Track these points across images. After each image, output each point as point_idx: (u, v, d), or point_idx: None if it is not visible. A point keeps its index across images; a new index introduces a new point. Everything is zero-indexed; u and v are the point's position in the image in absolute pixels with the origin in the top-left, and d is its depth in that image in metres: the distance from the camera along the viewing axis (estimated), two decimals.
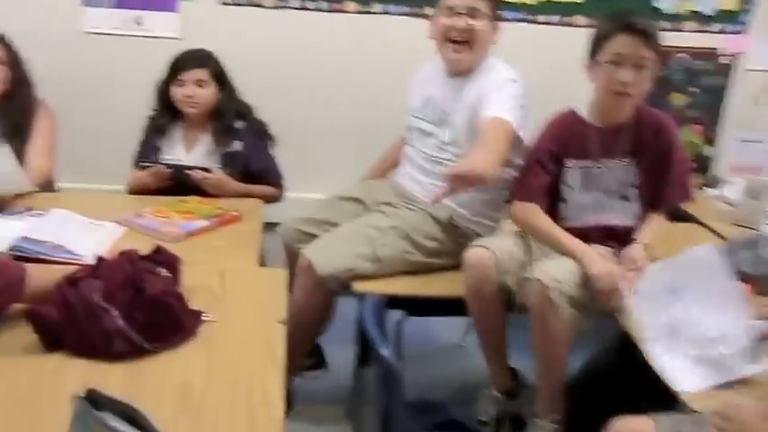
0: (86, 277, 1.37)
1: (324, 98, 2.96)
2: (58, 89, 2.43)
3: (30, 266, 1.39)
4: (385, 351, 1.44)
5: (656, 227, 1.84)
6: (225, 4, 2.81)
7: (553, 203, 1.88)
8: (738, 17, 3.08)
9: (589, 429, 1.35)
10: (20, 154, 2.17)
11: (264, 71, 2.80)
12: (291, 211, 2.29)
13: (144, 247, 1.55)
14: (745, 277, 1.87)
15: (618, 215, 1.85)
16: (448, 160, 2.00)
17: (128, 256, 1.47)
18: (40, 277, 1.37)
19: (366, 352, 2.12)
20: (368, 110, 2.95)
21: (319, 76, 2.93)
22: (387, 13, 2.88)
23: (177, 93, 2.27)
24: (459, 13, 1.93)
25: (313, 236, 2.07)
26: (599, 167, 1.83)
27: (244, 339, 1.38)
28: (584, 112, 1.87)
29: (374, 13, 2.88)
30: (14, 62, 2.25)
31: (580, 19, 2.93)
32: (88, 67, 2.80)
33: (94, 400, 0.94)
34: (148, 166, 2.21)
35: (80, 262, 1.62)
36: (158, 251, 1.53)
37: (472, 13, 1.93)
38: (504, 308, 1.77)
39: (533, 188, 1.84)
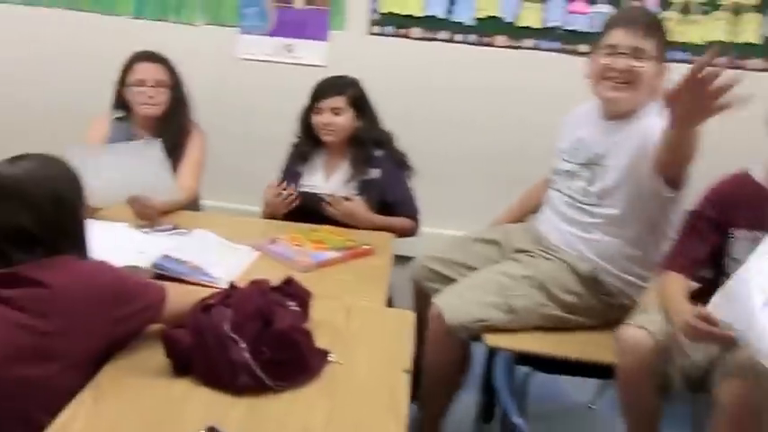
0: (219, 304, 1.37)
1: (467, 133, 2.90)
2: (210, 111, 2.54)
3: (169, 287, 1.42)
4: (517, 419, 1.31)
5: None
6: (373, 34, 2.82)
7: (716, 278, 1.66)
8: None
9: None
10: (173, 172, 2.27)
11: (409, 102, 2.79)
12: (423, 245, 2.22)
13: (275, 274, 1.54)
14: None
15: None
16: (591, 206, 1.85)
17: (259, 286, 1.46)
18: (177, 300, 1.39)
19: (490, 407, 2.00)
20: (511, 148, 2.85)
21: (464, 110, 2.87)
22: (537, 49, 2.77)
23: (316, 120, 2.29)
24: (622, 53, 1.77)
25: (443, 276, 1.99)
26: None
27: (367, 386, 1.32)
28: (760, 174, 1.63)
29: (525, 48, 2.78)
30: (175, 85, 2.38)
31: (756, 62, 2.67)
32: (240, 91, 2.93)
33: None
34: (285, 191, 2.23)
35: (215, 285, 1.64)
36: (289, 283, 1.51)
37: (636, 53, 1.75)
38: (661, 397, 1.55)
39: (682, 256, 1.65)
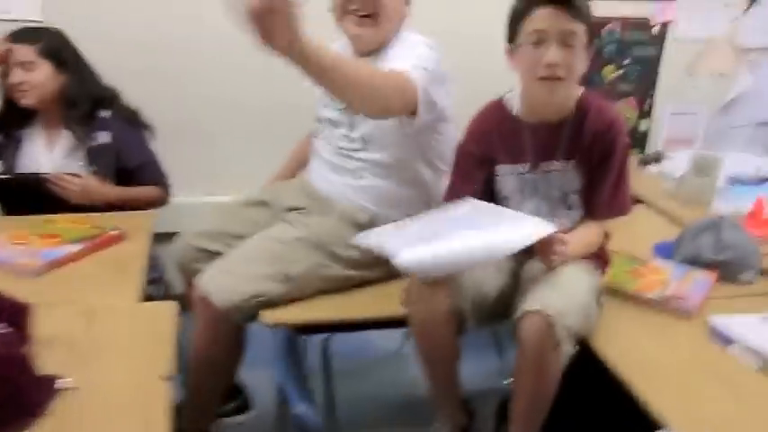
0: None
1: (223, 85, 2.57)
2: None
3: None
4: (300, 407, 1.12)
5: (584, 236, 1.51)
6: None
7: None
8: None
9: None
10: None
11: (147, 56, 2.41)
12: (190, 218, 1.93)
13: None
14: (707, 263, 1.69)
15: (563, 225, 1.51)
16: (358, 151, 1.69)
17: None
18: None
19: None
20: (275, 98, 2.57)
21: (217, 58, 2.54)
22: None
23: (7, 81, 1.90)
24: None
25: (213, 253, 1.72)
26: (536, 172, 1.52)
27: (113, 409, 1.05)
28: (513, 103, 1.55)
29: None
30: None
31: None
32: None
33: None
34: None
35: None
36: None
37: None
38: (457, 335, 1.44)
39: (453, 196, 1.53)
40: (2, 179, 1.85)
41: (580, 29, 1.38)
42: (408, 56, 1.54)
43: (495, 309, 1.44)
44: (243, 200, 1.87)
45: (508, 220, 1.37)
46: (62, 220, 1.75)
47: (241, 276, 1.52)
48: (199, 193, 2.40)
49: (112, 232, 1.69)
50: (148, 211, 1.96)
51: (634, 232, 1.99)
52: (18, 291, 1.24)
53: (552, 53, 1.36)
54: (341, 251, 1.62)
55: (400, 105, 1.49)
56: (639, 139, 3.15)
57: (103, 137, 1.97)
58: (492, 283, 1.45)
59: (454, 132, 1.70)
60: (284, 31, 1.10)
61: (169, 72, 2.48)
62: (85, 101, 1.95)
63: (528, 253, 1.38)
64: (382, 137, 1.63)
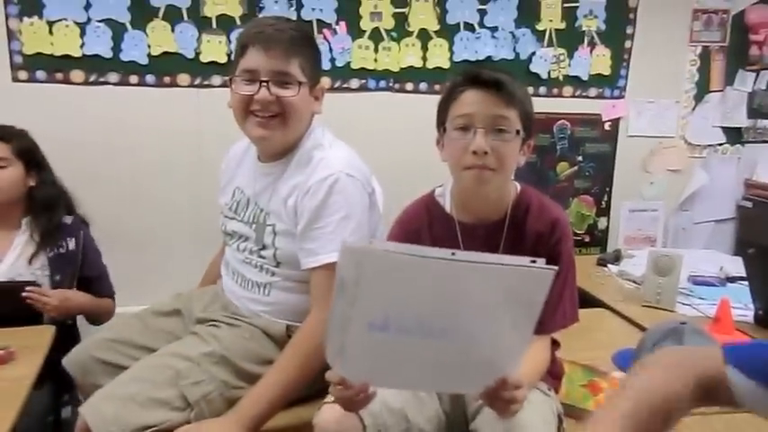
0: None
1: (152, 190, 2.47)
2: None
3: None
4: None
5: (533, 362, 1.27)
6: (19, 81, 2.28)
7: None
8: (615, 82, 2.91)
9: None
10: None
11: (81, 156, 2.34)
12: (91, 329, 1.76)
13: None
14: None
15: None
16: (269, 268, 1.50)
17: None
18: None
19: None
20: (198, 204, 2.47)
21: (152, 159, 2.44)
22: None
23: None
24: (263, 81, 1.40)
25: (117, 366, 1.48)
26: None
27: None
28: (444, 200, 1.38)
29: (215, 86, 2.44)
30: None
31: None
32: None
33: None
34: None
35: None
36: None
37: (281, 78, 1.40)
38: None
39: None
40: None
41: (512, 115, 1.23)
42: (330, 232, 1.38)
43: None
44: (154, 308, 1.66)
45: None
46: None
47: (128, 401, 1.28)
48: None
49: (7, 349, 1.47)
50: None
51: (592, 338, 1.82)
52: None
53: (479, 140, 1.21)
54: (253, 368, 1.41)
55: None
56: (599, 238, 3.04)
57: (71, 244, 1.88)
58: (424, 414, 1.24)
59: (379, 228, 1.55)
60: None
61: (87, 174, 2.34)
62: (54, 206, 1.88)
63: None
64: (297, 259, 1.45)
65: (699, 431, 1.34)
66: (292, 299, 1.47)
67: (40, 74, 2.28)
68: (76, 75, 2.31)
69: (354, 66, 2.55)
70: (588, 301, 2.17)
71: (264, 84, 1.40)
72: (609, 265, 2.59)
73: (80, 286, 1.90)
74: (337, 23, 2.51)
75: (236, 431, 1.29)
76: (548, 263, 1.27)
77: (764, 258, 1.92)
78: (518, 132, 1.25)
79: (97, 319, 1.95)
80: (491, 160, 1.23)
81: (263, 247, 1.49)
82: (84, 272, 1.92)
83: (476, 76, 1.25)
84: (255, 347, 1.44)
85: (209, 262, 1.88)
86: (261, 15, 2.41)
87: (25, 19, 2.23)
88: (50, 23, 2.25)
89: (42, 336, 1.68)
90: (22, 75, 2.27)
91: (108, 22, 2.30)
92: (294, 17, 2.43)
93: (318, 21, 2.48)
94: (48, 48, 2.26)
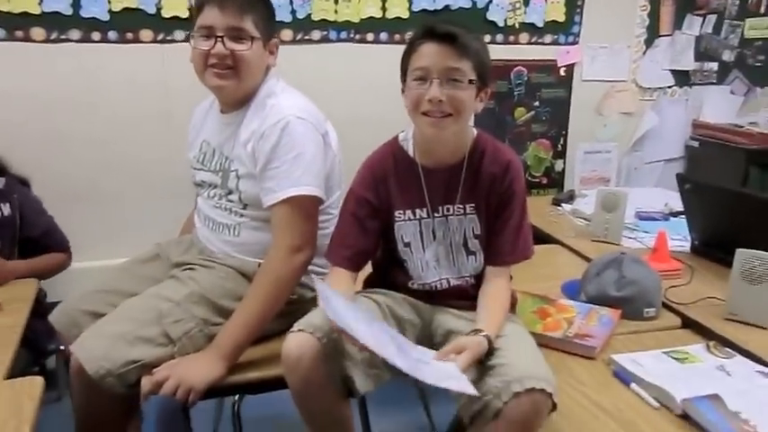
0: None
1: (108, 144, 2.50)
2: None
3: None
4: None
5: (500, 304, 1.42)
6: None
7: (392, 264, 1.52)
8: (569, 28, 3.00)
9: None
10: None
11: (33, 115, 2.34)
12: (78, 284, 1.80)
13: None
14: (611, 300, 1.67)
15: (467, 272, 1.49)
16: (237, 210, 1.61)
17: None
18: None
19: None
20: (171, 159, 2.49)
21: (105, 116, 2.47)
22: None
23: None
24: (218, 36, 1.49)
25: (102, 315, 1.57)
26: (434, 218, 1.47)
27: None
28: (408, 147, 1.49)
29: (175, 41, 2.47)
30: None
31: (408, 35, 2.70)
32: None
33: None
34: None
35: None
36: None
37: (235, 34, 1.50)
38: (347, 401, 1.34)
39: (341, 250, 1.47)
40: None
41: (465, 66, 1.33)
42: (289, 168, 1.48)
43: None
44: (135, 257, 1.76)
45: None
46: None
47: (116, 339, 1.39)
48: (94, 257, 2.26)
49: None
50: (37, 279, 1.85)
51: (543, 272, 1.96)
52: None
53: (434, 89, 1.32)
54: (229, 304, 1.52)
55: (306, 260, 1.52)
56: (555, 179, 3.19)
57: (5, 209, 1.88)
58: None
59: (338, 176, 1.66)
60: None
61: (57, 133, 2.38)
62: None
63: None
64: (260, 199, 1.55)
65: (633, 347, 1.50)
66: (260, 237, 1.58)
67: (0, 32, 2.29)
68: (37, 32, 2.32)
69: (315, 17, 2.60)
70: (542, 238, 2.31)
71: (220, 39, 1.49)
72: (563, 205, 2.73)
73: (25, 247, 1.92)
74: None
75: (216, 362, 1.41)
76: (501, 201, 1.43)
77: (700, 194, 2.07)
78: (471, 82, 1.35)
79: (46, 275, 1.95)
80: (446, 107, 1.33)
81: (230, 192, 1.60)
82: (26, 233, 1.94)
83: (431, 29, 1.34)
84: (230, 285, 1.55)
85: (182, 213, 1.97)
86: None
87: None
88: None
89: (26, 288, 1.77)
90: None
91: None
92: None
93: None
94: (5, 5, 2.26)
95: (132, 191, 2.55)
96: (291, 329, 1.26)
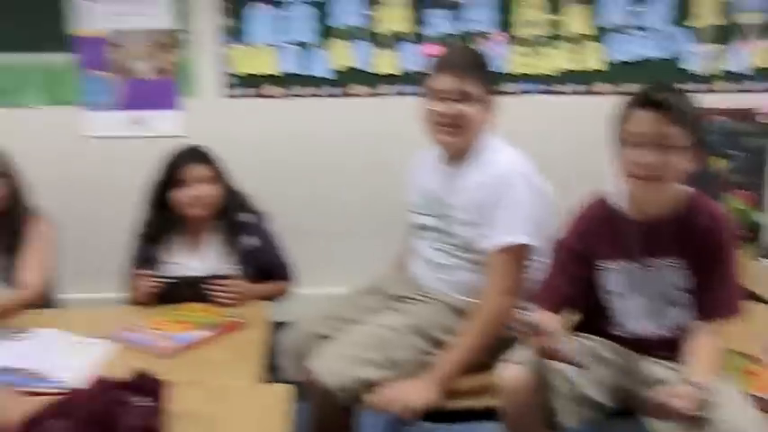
0: (50, 417, 1.17)
1: (337, 187, 2.84)
2: (58, 195, 2.32)
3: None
4: None
5: (711, 358, 1.46)
6: (229, 96, 2.73)
7: (598, 312, 1.62)
8: None
9: None
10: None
11: (273, 160, 2.74)
12: (302, 307, 2.08)
13: (135, 364, 1.37)
14: None
15: (672, 323, 1.55)
16: (455, 253, 1.80)
17: (101, 386, 1.28)
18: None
19: None
20: (384, 197, 2.77)
21: (330, 162, 2.82)
22: (400, 95, 2.77)
23: (180, 195, 2.07)
24: (448, 98, 1.73)
25: (326, 337, 1.83)
26: (643, 269, 1.54)
27: None
28: (617, 200, 1.59)
29: (385, 94, 2.77)
30: (9, 174, 2.15)
31: (604, 87, 2.81)
32: (89, 171, 2.74)
33: None
34: (156, 281, 2.03)
35: (57, 391, 1.43)
36: (140, 376, 1.33)
37: (462, 97, 1.72)
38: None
39: (547, 295, 1.60)
40: (170, 282, 2.03)
41: (678, 132, 1.40)
42: (509, 217, 1.67)
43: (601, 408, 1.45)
44: (357, 289, 2.02)
45: None
46: (187, 308, 1.95)
47: (350, 360, 1.64)
48: (309, 286, 2.56)
49: (235, 320, 1.86)
50: (269, 302, 2.11)
51: (747, 330, 1.92)
52: (155, 370, 1.40)
53: (645, 155, 1.41)
54: (443, 336, 1.72)
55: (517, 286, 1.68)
56: (753, 232, 3.04)
57: (251, 240, 2.14)
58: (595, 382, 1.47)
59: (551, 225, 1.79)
60: None
61: (289, 173, 2.75)
62: (235, 208, 2.14)
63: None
64: (477, 244, 1.74)
65: None
66: (473, 277, 1.76)
67: (245, 90, 2.73)
68: (274, 90, 2.74)
69: (513, 71, 2.78)
70: (745, 294, 2.23)
71: (449, 101, 1.72)
72: (763, 259, 2.62)
73: (263, 274, 2.15)
74: (496, 32, 2.75)
75: (431, 388, 1.60)
76: (713, 256, 1.50)
77: None
78: (683, 147, 1.42)
79: (273, 299, 2.16)
80: (656, 171, 1.42)
81: (449, 236, 1.80)
82: (266, 263, 2.14)
83: (646, 96, 1.44)
84: (444, 320, 1.75)
85: (385, 250, 2.21)
86: (428, 32, 2.73)
87: (234, 45, 2.68)
88: (253, 48, 2.68)
89: (263, 309, 2.06)
90: (231, 91, 2.72)
91: (299, 44, 2.70)
92: (457, 31, 2.72)
93: (478, 32, 2.74)
94: (251, 68, 2.70)
95: (339, 227, 2.85)
96: (503, 362, 1.41)
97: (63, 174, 2.63)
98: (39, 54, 2.62)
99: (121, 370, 1.40)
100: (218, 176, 2.13)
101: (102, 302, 2.39)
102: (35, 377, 1.50)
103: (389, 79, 2.76)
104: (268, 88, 2.74)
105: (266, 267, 2.17)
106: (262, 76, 2.71)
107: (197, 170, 2.08)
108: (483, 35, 2.75)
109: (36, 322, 1.86)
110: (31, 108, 2.68)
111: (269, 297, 2.14)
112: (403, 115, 2.70)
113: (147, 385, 1.33)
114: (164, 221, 2.12)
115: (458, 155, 1.81)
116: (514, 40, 2.77)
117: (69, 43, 2.63)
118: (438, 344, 1.71)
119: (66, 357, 1.62)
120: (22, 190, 2.17)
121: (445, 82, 1.72)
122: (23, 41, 2.61)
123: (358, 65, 2.74)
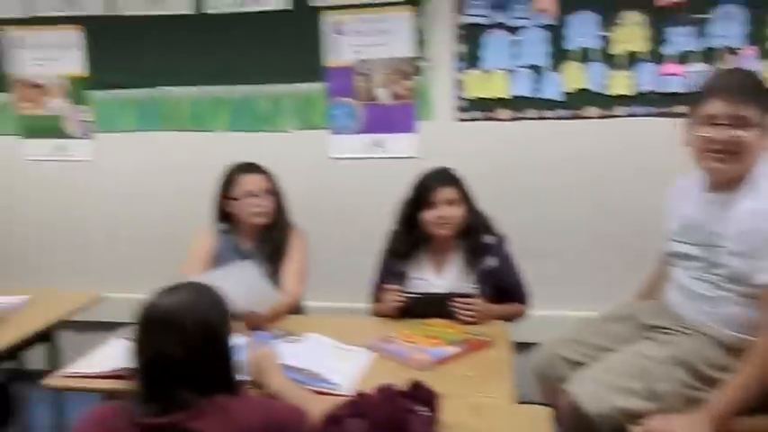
0: (348, 416, 1.32)
1: (568, 209, 2.84)
2: (310, 211, 2.58)
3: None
4: None
5: None
6: (461, 120, 2.84)
7: None
8: None
9: None
10: (276, 277, 2.30)
11: (505, 183, 2.80)
12: (542, 330, 2.10)
13: (394, 375, 1.50)
14: None
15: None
16: (722, 284, 1.71)
17: (387, 393, 1.41)
18: (312, 412, 1.37)
19: None
20: (616, 219, 2.76)
21: (562, 185, 2.83)
22: (632, 116, 2.70)
23: (428, 215, 2.19)
24: (723, 124, 1.65)
25: (573, 362, 1.86)
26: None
27: None
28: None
29: (618, 116, 2.72)
30: (276, 192, 2.43)
31: None
32: (336, 189, 2.99)
33: None
34: (403, 296, 2.17)
35: (336, 392, 1.60)
36: (417, 386, 1.44)
37: (738, 122, 1.64)
38: None
39: None
40: (414, 297, 2.18)
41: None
42: None
43: None
44: (604, 314, 2.00)
45: None
46: (437, 325, 2.06)
47: (610, 387, 1.63)
48: (544, 308, 2.57)
49: (482, 338, 1.93)
50: (506, 323, 2.17)
51: None
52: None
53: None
54: (709, 371, 1.65)
55: None
56: None
57: (491, 261, 2.22)
58: None
59: None
60: None
61: (516, 194, 2.81)
62: (478, 229, 2.24)
63: None
64: (747, 276, 1.65)
65: None
66: (740, 311, 1.67)
67: (477, 113, 2.82)
68: (504, 113, 2.80)
69: None
70: None
71: (721, 126, 1.65)
72: None
73: (500, 295, 2.21)
74: (746, 47, 2.58)
75: (704, 426, 1.54)
76: None
77: None
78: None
79: (508, 320, 2.20)
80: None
81: (715, 266, 1.72)
82: (504, 284, 2.21)
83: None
84: (709, 354, 1.68)
85: (621, 273, 2.16)
86: (668, 51, 2.64)
87: (468, 71, 2.79)
88: (486, 72, 2.77)
89: (502, 329, 2.11)
90: (464, 115, 2.83)
91: (531, 67, 2.74)
92: (700, 48, 2.60)
93: (725, 47, 2.59)
94: (483, 92, 2.79)
95: (568, 250, 2.84)
96: None
97: (312, 190, 2.89)
98: (296, 84, 2.93)
99: (382, 378, 1.52)
100: (464, 198, 2.23)
101: (337, 311, 2.62)
102: (316, 377, 1.68)
103: (622, 100, 2.69)
104: (499, 111, 2.80)
105: (504, 288, 2.23)
106: (492, 100, 2.79)
107: (445, 192, 2.19)
108: (731, 50, 2.58)
109: (297, 327, 2.08)
110: (286, 132, 3.00)
111: (506, 318, 2.19)
112: (634, 137, 2.68)
113: (423, 395, 1.44)
114: (412, 239, 2.26)
115: (726, 182, 1.73)
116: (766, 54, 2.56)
117: (322, 74, 2.90)
118: (704, 379, 1.64)
119: (335, 361, 1.80)
120: (285, 206, 2.46)
121: (717, 107, 1.66)
122: (284, 74, 2.94)
123: (591, 86, 2.71)
